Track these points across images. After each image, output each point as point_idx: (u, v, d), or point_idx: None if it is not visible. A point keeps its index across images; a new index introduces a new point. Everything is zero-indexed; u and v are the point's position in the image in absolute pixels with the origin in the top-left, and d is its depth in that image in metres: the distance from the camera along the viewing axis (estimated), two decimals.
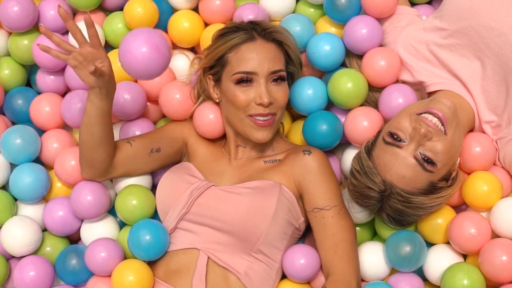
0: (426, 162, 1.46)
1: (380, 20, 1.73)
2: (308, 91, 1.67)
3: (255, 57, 1.54)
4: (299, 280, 1.56)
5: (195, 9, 1.85)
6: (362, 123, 1.63)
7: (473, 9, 1.56)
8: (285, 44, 1.61)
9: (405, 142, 1.47)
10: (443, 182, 1.52)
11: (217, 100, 1.63)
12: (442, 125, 1.48)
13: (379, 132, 1.56)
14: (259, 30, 1.59)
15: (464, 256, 1.60)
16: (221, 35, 1.61)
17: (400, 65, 1.69)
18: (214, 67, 1.60)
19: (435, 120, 1.47)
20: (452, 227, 1.53)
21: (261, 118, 1.54)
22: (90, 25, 1.43)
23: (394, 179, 1.48)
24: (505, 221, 1.51)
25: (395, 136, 1.48)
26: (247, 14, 1.75)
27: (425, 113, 1.49)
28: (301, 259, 1.54)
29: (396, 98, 1.64)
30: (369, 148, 1.54)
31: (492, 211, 1.54)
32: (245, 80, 1.54)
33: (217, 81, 1.61)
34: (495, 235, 1.55)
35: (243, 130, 1.57)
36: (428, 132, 1.45)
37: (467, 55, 1.60)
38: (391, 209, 1.53)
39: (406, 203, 1.50)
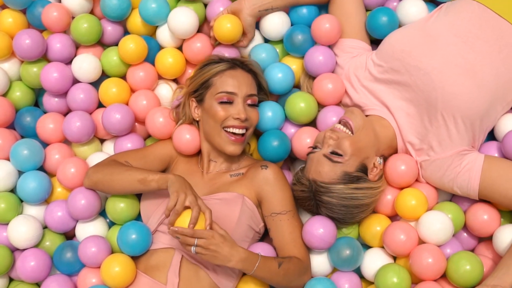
0: (333, 154, 1.61)
1: (333, 46, 1.88)
2: (268, 113, 1.80)
3: (236, 81, 1.70)
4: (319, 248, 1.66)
5: (180, 48, 1.96)
6: (306, 140, 1.78)
7: (405, 51, 1.69)
8: (259, 75, 1.78)
9: (319, 148, 1.64)
10: (360, 173, 1.64)
11: (197, 119, 1.75)
12: (350, 129, 1.63)
13: None
14: (238, 62, 1.76)
15: (394, 258, 1.72)
16: (206, 65, 1.77)
17: (344, 89, 1.81)
18: (198, 90, 1.74)
19: (344, 128, 1.64)
20: (386, 234, 1.66)
21: (235, 130, 1.67)
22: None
23: (314, 176, 1.64)
24: (430, 230, 1.64)
25: (314, 146, 1.66)
26: (223, 53, 1.89)
27: (338, 122, 1.66)
28: (319, 228, 1.64)
29: (331, 117, 1.79)
30: (302, 167, 1.71)
31: (419, 222, 1.67)
32: (226, 101, 1.68)
33: (200, 101, 1.74)
34: (421, 241, 1.67)
35: (218, 143, 1.70)
36: (333, 134, 1.62)
37: (397, 89, 1.72)
38: (322, 203, 1.65)
39: (329, 193, 1.63)
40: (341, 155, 1.62)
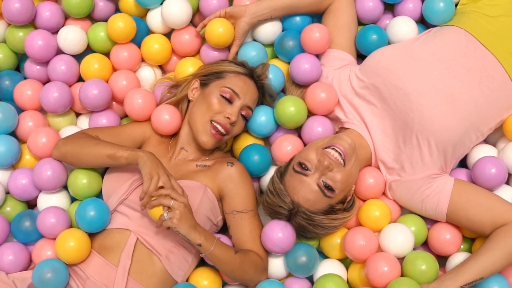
0: (327, 189, 1.59)
1: (320, 55, 1.88)
2: (262, 117, 1.82)
3: (245, 88, 1.74)
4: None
5: (167, 35, 1.97)
6: (286, 148, 1.79)
7: (388, 69, 1.71)
8: (266, 96, 1.84)
9: (311, 171, 1.60)
10: (340, 204, 1.66)
11: (190, 98, 1.78)
12: (343, 159, 1.61)
13: (291, 160, 1.68)
14: (255, 75, 1.80)
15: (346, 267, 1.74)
16: (229, 61, 1.82)
17: (337, 99, 1.80)
18: (208, 75, 1.77)
19: (336, 155, 1.61)
20: (346, 238, 1.67)
21: (219, 127, 1.69)
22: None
23: (301, 201, 1.61)
24: (391, 242, 1.66)
25: (303, 166, 1.61)
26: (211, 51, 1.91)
27: (329, 147, 1.62)
28: (278, 233, 1.64)
29: (317, 127, 1.79)
30: (282, 173, 1.66)
31: (381, 233, 1.69)
32: (227, 98, 1.71)
33: (203, 85, 1.77)
34: (380, 249, 1.69)
35: (196, 128, 1.71)
36: (330, 165, 1.59)
37: (376, 105, 1.73)
38: (296, 224, 1.65)
39: (309, 220, 1.63)
40: (334, 191, 1.61)
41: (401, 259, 1.68)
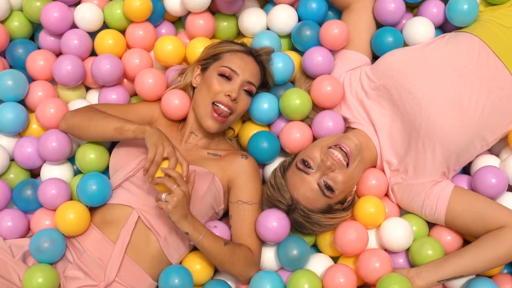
0: (327, 188, 1.60)
1: (335, 54, 1.88)
2: (264, 104, 1.81)
3: (242, 64, 1.73)
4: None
5: (183, 18, 2.00)
6: (295, 135, 1.78)
7: (400, 72, 1.70)
8: (267, 70, 1.80)
9: (313, 169, 1.61)
10: (339, 205, 1.66)
11: (194, 85, 1.78)
12: (347, 160, 1.61)
13: (295, 156, 1.69)
14: (254, 51, 1.79)
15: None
16: (226, 42, 1.82)
17: (342, 93, 1.81)
18: (207, 59, 1.77)
19: (340, 156, 1.61)
20: (337, 232, 1.67)
21: (221, 106, 1.68)
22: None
23: (300, 198, 1.62)
24: (391, 236, 1.67)
25: (306, 163, 1.62)
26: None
27: (335, 146, 1.62)
28: (273, 222, 1.64)
29: (327, 122, 1.78)
30: (285, 168, 1.68)
31: (380, 227, 1.69)
32: (226, 75, 1.70)
33: (204, 70, 1.76)
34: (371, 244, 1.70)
35: (200, 113, 1.71)
36: (332, 165, 1.59)
37: (385, 106, 1.74)
38: (293, 220, 1.67)
39: (306, 218, 1.64)
40: (333, 191, 1.62)
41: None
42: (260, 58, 1.79)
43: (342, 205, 1.68)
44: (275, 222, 1.65)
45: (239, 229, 1.69)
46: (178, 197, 1.51)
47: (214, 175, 1.69)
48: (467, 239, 1.75)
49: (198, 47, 1.89)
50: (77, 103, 1.88)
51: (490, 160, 1.79)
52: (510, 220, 1.60)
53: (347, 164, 1.62)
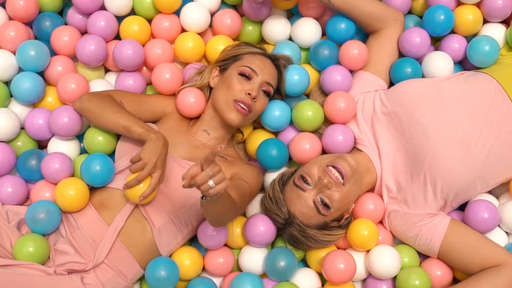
0: (323, 205, 1.62)
1: (354, 74, 1.89)
2: (276, 112, 1.82)
3: (262, 65, 1.76)
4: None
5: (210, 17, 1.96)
6: (305, 146, 1.78)
7: (414, 102, 1.71)
8: (282, 76, 1.82)
9: (310, 186, 1.63)
10: (335, 222, 1.68)
11: (212, 85, 1.80)
12: (342, 178, 1.63)
13: (295, 171, 1.71)
14: (272, 55, 1.83)
15: (323, 282, 1.75)
16: (245, 44, 1.84)
17: (355, 111, 1.81)
18: (226, 60, 1.80)
19: (337, 174, 1.63)
20: (325, 260, 1.68)
21: (242, 105, 1.69)
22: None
23: (296, 213, 1.65)
24: (378, 263, 1.67)
25: (304, 179, 1.64)
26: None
27: (332, 165, 1.64)
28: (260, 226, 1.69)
29: (338, 135, 1.78)
30: (284, 182, 1.70)
31: (369, 253, 1.70)
32: (246, 75, 1.73)
33: (223, 70, 1.79)
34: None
35: (222, 109, 1.72)
36: (329, 183, 1.61)
37: (392, 133, 1.74)
38: (289, 234, 1.69)
39: (302, 232, 1.67)
40: (329, 209, 1.63)
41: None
42: (278, 62, 1.82)
43: (338, 222, 1.69)
44: (262, 226, 1.69)
45: (231, 192, 1.59)
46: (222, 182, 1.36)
47: None
48: (456, 277, 1.74)
49: (218, 45, 1.90)
50: (95, 83, 1.89)
51: (485, 196, 1.79)
52: (507, 258, 1.60)
53: (343, 183, 1.64)
